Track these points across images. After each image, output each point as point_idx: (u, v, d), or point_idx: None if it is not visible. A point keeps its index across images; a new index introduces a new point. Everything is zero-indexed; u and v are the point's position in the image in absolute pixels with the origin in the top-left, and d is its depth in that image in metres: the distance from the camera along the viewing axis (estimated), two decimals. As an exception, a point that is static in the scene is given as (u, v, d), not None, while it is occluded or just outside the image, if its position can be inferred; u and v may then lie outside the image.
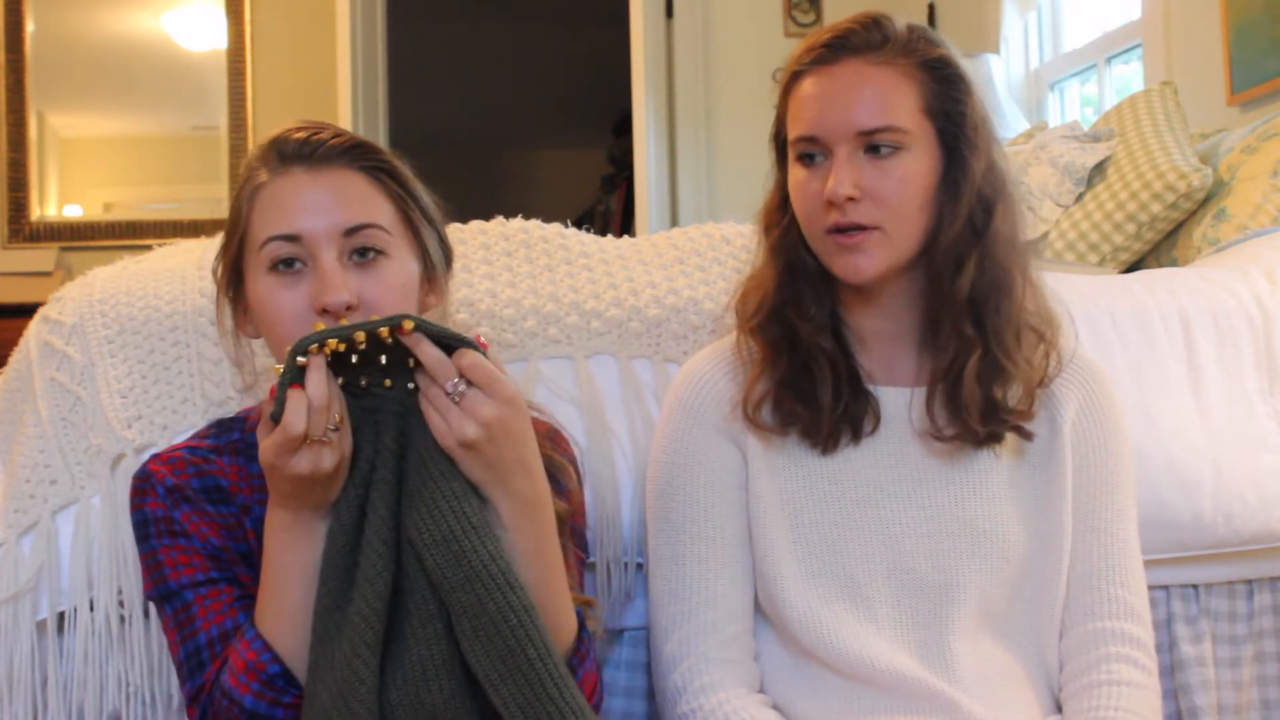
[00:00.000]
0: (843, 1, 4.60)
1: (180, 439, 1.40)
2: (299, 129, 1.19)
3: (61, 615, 1.39)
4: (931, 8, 4.48)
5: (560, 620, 1.11)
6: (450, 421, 1.05)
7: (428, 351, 1.04)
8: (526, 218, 1.71)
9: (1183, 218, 2.32)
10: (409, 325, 1.04)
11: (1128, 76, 3.60)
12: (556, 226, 1.71)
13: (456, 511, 1.05)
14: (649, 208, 4.43)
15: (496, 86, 6.94)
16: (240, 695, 1.09)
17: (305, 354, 1.03)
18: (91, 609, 1.38)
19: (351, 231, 1.15)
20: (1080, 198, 2.49)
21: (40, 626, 1.39)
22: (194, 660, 1.13)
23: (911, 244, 1.28)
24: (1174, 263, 2.30)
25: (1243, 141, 2.34)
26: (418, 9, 5.71)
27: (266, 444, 1.04)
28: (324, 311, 1.12)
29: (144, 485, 1.17)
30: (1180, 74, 3.07)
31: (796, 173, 1.29)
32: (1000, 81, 3.83)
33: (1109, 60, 3.65)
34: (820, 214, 1.26)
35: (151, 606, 1.38)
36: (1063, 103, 3.98)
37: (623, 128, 5.54)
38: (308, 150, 1.17)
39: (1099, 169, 2.50)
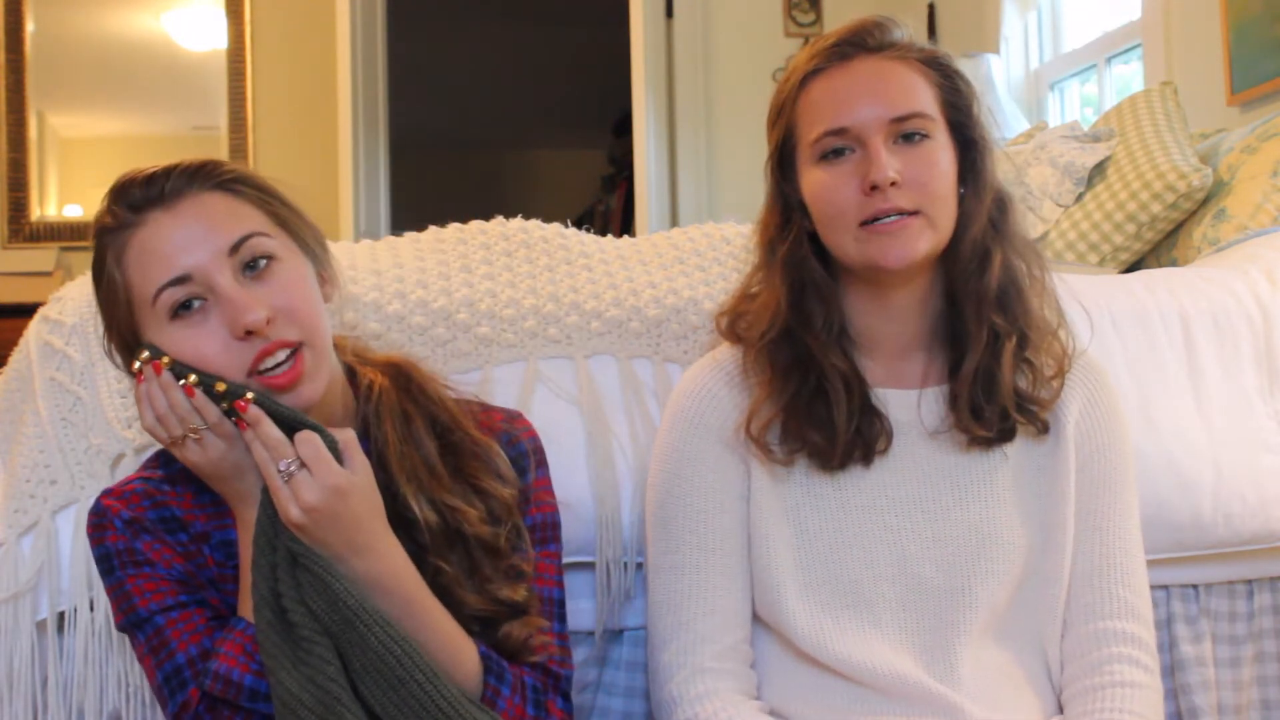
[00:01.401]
0: (843, 1, 4.60)
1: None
2: (136, 173, 1.16)
3: (61, 615, 1.39)
4: (931, 8, 4.48)
5: (446, 671, 1.13)
6: (279, 501, 1.09)
7: (265, 430, 1.09)
8: (526, 218, 1.71)
9: (1183, 218, 2.32)
10: (250, 397, 1.10)
11: (1128, 76, 3.60)
12: (556, 226, 1.71)
13: (325, 562, 1.10)
14: (649, 208, 4.43)
15: (496, 86, 6.94)
16: (241, 675, 1.11)
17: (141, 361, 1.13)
18: (91, 609, 1.38)
19: (235, 248, 1.13)
20: (1080, 198, 2.49)
21: (40, 626, 1.39)
22: (174, 681, 1.13)
23: (946, 234, 1.29)
24: (1174, 263, 2.30)
25: (1243, 141, 2.34)
26: (418, 9, 5.71)
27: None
28: (248, 334, 1.11)
29: (101, 521, 1.17)
30: (1180, 74, 3.07)
31: (817, 174, 1.28)
32: (1000, 81, 3.83)
33: (1109, 60, 3.65)
34: (855, 206, 1.25)
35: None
36: (1063, 103, 3.98)
37: (623, 128, 5.55)
38: (155, 190, 1.14)
39: (1099, 169, 2.50)
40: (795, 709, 1.29)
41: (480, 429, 1.26)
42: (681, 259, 1.65)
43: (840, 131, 1.26)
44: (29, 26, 4.69)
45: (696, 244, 1.68)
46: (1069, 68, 3.91)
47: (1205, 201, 2.30)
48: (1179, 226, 2.34)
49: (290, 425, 1.10)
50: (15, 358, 1.54)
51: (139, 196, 1.14)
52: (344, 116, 4.34)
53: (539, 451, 1.30)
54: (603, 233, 1.82)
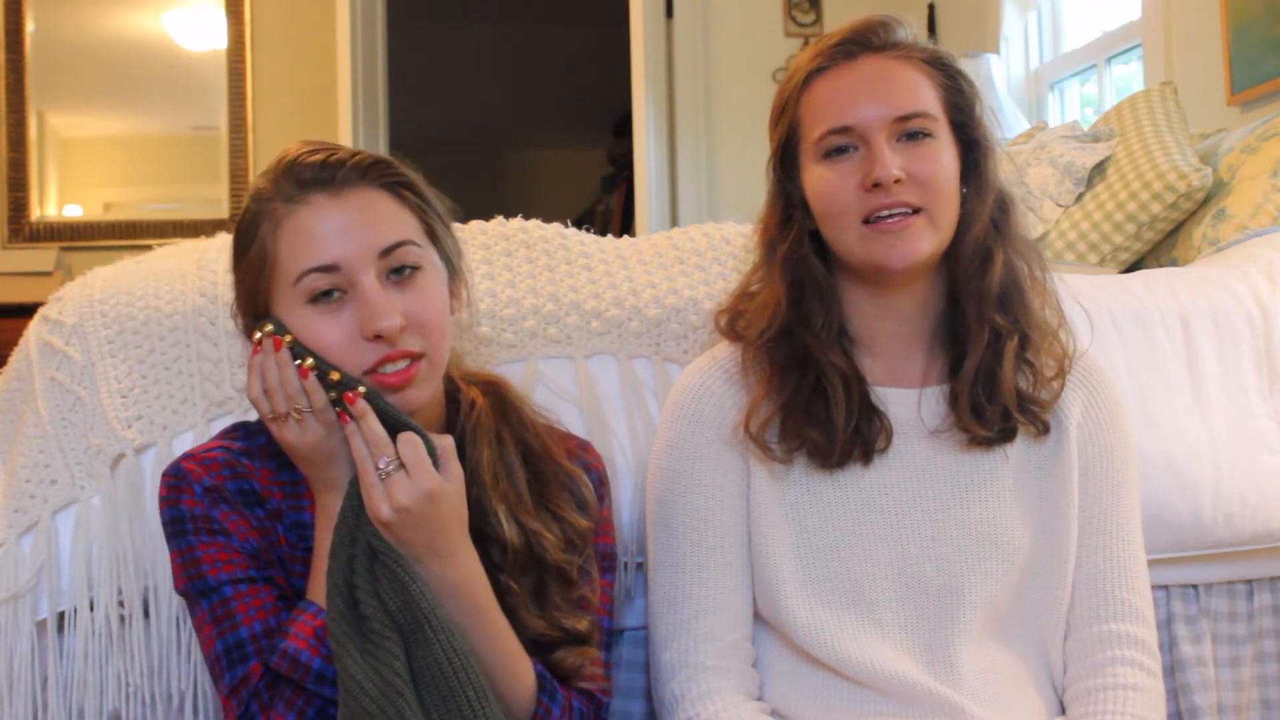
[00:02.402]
0: (843, 1, 4.60)
1: (180, 440, 1.41)
2: (311, 151, 1.16)
3: (61, 615, 1.39)
4: (931, 8, 4.48)
5: (503, 685, 1.13)
6: (371, 497, 1.09)
7: (370, 426, 1.10)
8: (526, 218, 1.71)
9: (1183, 218, 2.32)
10: (361, 391, 1.11)
11: (1128, 76, 3.60)
12: (556, 226, 1.71)
13: (405, 561, 1.10)
14: (649, 208, 4.43)
15: (496, 86, 6.94)
16: (310, 658, 1.11)
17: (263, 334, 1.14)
18: (91, 609, 1.38)
19: (387, 252, 1.14)
20: (1080, 198, 2.49)
21: (40, 626, 1.39)
22: (235, 653, 1.13)
23: (948, 234, 1.29)
24: (1174, 263, 2.30)
25: (1243, 141, 2.34)
26: (418, 9, 5.71)
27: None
28: (377, 337, 1.12)
29: (179, 483, 1.17)
30: (1180, 74, 3.06)
31: (820, 172, 1.29)
32: (1000, 81, 3.83)
33: (1109, 60, 3.65)
34: (857, 203, 1.26)
35: (153, 606, 1.38)
36: (1063, 103, 3.98)
37: (623, 128, 5.54)
38: (327, 175, 1.14)
39: (1099, 169, 2.50)
40: (796, 709, 1.29)
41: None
42: (681, 259, 1.65)
43: (844, 130, 1.27)
44: (29, 26, 4.68)
45: (696, 244, 1.68)
46: (1069, 68, 3.91)
47: (1205, 201, 2.30)
48: (1179, 226, 2.34)
49: (393, 425, 1.11)
50: (15, 358, 1.54)
51: (309, 176, 1.15)
52: (344, 116, 4.34)
53: (606, 482, 1.32)
54: (603, 233, 1.81)
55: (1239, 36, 2.88)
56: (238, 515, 1.17)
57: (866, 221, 1.26)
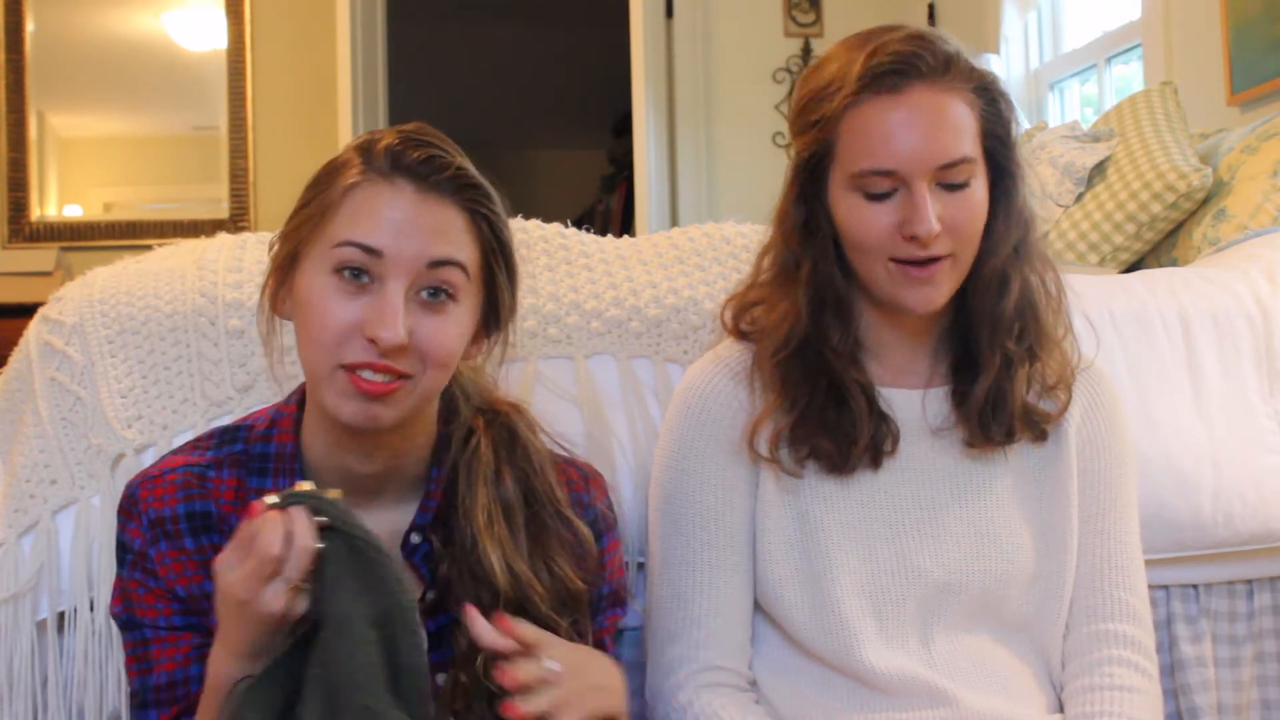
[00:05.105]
0: (843, 2, 4.60)
1: (180, 439, 1.40)
2: (421, 144, 1.13)
3: (61, 615, 1.39)
4: (931, 8, 4.48)
5: None
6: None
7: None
8: (526, 218, 1.71)
9: (1183, 218, 2.32)
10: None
11: (1128, 76, 3.60)
12: (556, 226, 1.71)
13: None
14: (649, 208, 4.43)
15: (496, 86, 6.94)
16: None
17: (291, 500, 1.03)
18: (91, 609, 1.38)
19: (435, 264, 1.09)
20: (1080, 198, 2.49)
21: (40, 626, 1.39)
22: (138, 698, 1.14)
23: (968, 267, 1.28)
24: (1174, 263, 2.30)
25: (1243, 141, 2.34)
26: (418, 9, 5.71)
27: (238, 576, 1.00)
28: (371, 341, 1.06)
29: (130, 508, 1.16)
30: (1180, 74, 3.07)
31: (854, 202, 1.25)
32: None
33: (1109, 60, 3.65)
34: (889, 245, 1.24)
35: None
36: (1063, 103, 3.98)
37: (623, 128, 5.55)
38: (425, 171, 1.11)
39: (1099, 169, 2.50)
40: (796, 705, 1.30)
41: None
42: (681, 259, 1.65)
43: (888, 173, 1.23)
44: (29, 26, 4.68)
45: (696, 244, 1.68)
46: (1069, 68, 3.91)
47: (1205, 201, 2.30)
48: (1179, 226, 2.34)
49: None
50: (15, 358, 1.54)
51: (408, 163, 1.11)
52: (344, 117, 4.34)
53: (610, 511, 1.26)
54: (603, 233, 1.81)
55: (1239, 36, 2.88)
56: (173, 556, 1.14)
57: (894, 260, 1.25)
